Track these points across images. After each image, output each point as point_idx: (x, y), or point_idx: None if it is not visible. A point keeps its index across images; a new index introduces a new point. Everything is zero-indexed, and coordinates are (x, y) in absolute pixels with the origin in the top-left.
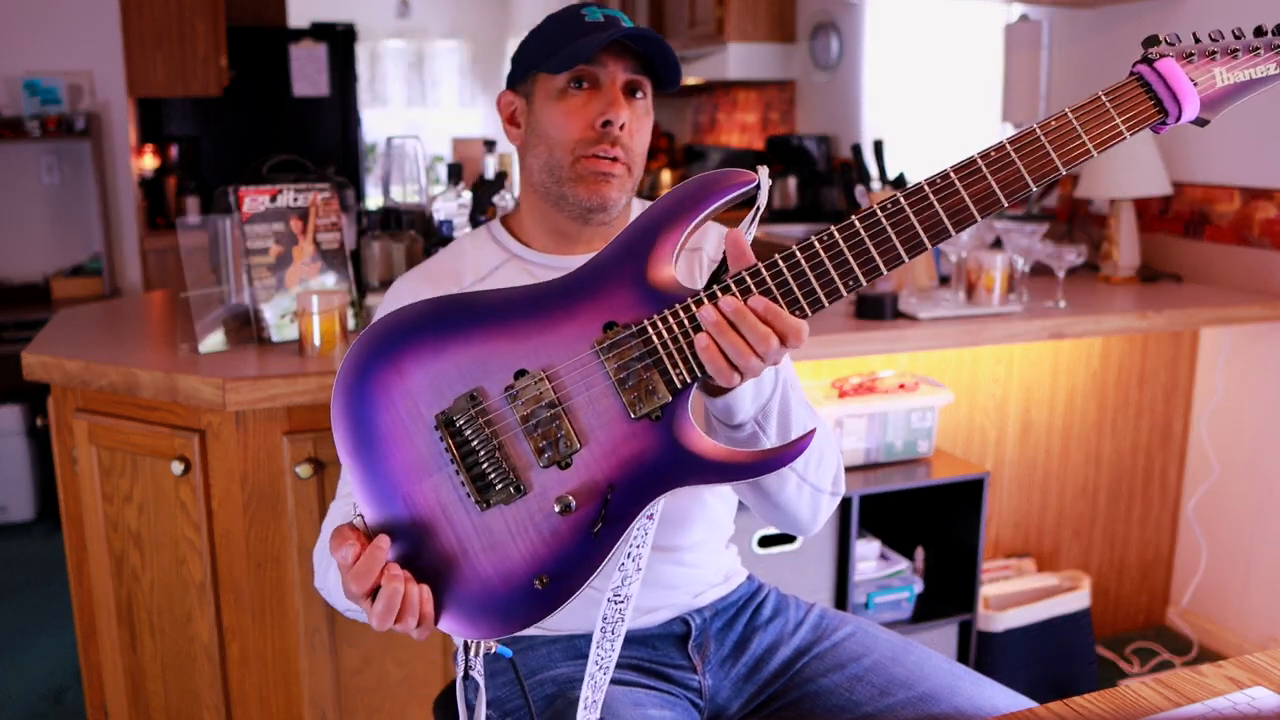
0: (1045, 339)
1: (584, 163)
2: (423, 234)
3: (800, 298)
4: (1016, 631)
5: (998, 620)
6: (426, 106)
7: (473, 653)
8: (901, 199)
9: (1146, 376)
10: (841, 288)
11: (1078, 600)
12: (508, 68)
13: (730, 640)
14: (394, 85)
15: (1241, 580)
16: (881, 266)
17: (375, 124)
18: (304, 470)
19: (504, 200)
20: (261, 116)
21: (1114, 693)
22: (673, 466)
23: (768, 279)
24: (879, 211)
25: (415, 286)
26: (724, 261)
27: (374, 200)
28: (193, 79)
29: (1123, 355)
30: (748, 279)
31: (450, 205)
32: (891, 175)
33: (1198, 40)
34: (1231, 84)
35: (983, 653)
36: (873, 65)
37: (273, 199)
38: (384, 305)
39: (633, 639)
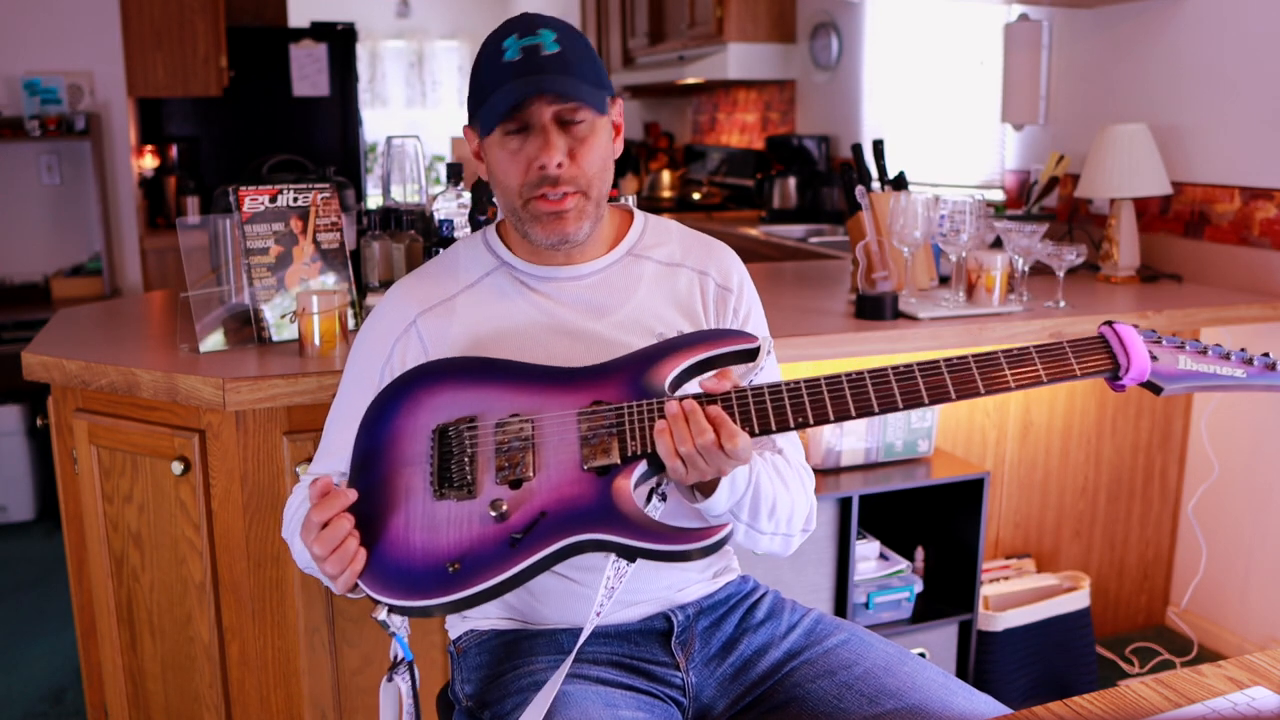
0: (1045, 339)
1: (534, 204)
2: (423, 234)
3: (754, 418)
4: (1016, 631)
5: (998, 620)
6: (426, 106)
7: (377, 612)
8: (866, 375)
9: None
10: (790, 421)
11: (1077, 600)
12: None
13: (718, 639)
14: (394, 85)
15: (1241, 580)
16: (810, 419)
17: (375, 124)
18: (304, 470)
19: None
20: (261, 116)
21: (1114, 693)
22: (599, 515)
23: (733, 400)
24: (843, 377)
25: (410, 290)
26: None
27: (374, 200)
28: (193, 79)
29: None
30: (717, 398)
31: (450, 205)
32: (891, 175)
33: (1180, 344)
34: (1191, 369)
35: (982, 653)
36: (872, 65)
37: (273, 199)
38: (381, 306)
39: (613, 634)
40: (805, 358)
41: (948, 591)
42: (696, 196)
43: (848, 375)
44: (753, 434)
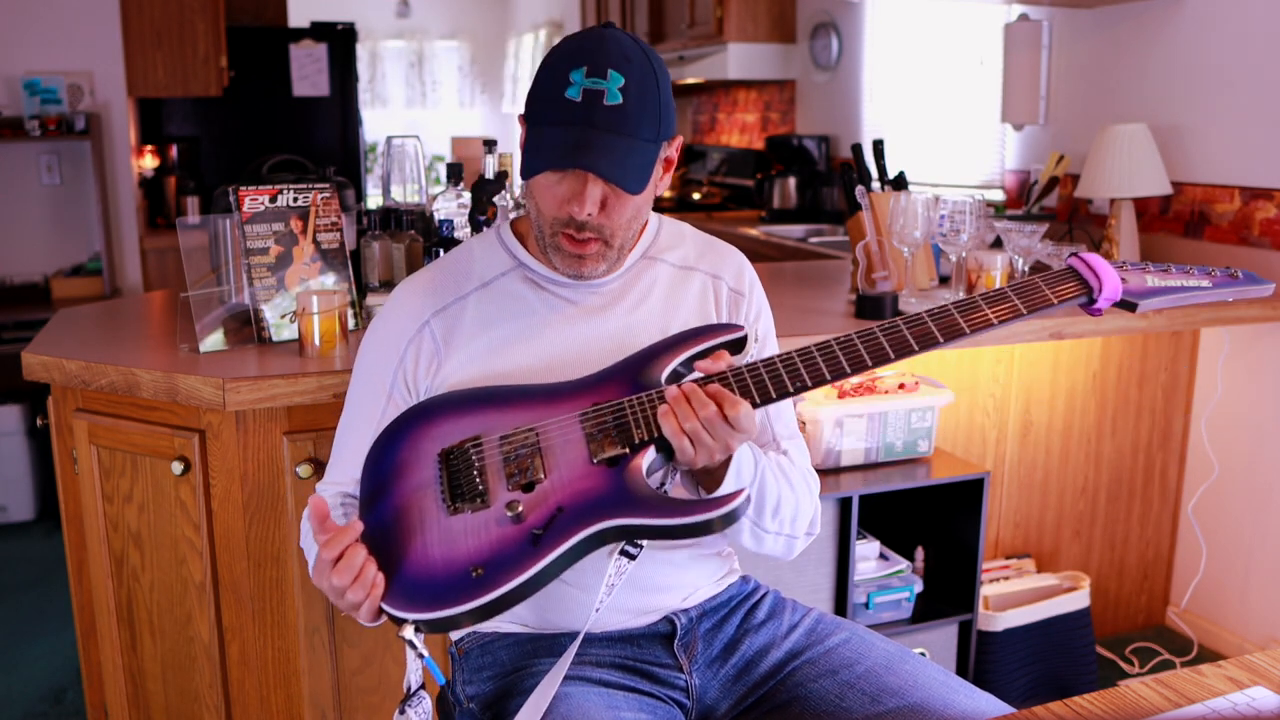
0: (1045, 339)
1: (560, 237)
2: (423, 234)
3: (753, 390)
4: (1016, 631)
5: (998, 620)
6: (426, 106)
7: (404, 631)
8: (854, 336)
9: (1146, 376)
10: (789, 386)
11: (1078, 600)
12: (508, 68)
13: (720, 641)
14: (394, 85)
15: (1241, 580)
16: (807, 382)
17: (375, 124)
18: (304, 470)
19: (504, 200)
20: (261, 116)
21: (1114, 693)
22: (615, 501)
23: (729, 376)
24: (832, 341)
25: (420, 290)
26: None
27: (374, 200)
28: (193, 79)
29: (1122, 355)
30: (713, 378)
31: (450, 205)
32: (891, 175)
33: (1145, 265)
34: (1160, 285)
35: (983, 653)
36: (872, 65)
37: (273, 199)
38: (388, 309)
39: (617, 638)
40: None
41: (948, 591)
42: (697, 196)
43: (837, 339)
44: (754, 404)
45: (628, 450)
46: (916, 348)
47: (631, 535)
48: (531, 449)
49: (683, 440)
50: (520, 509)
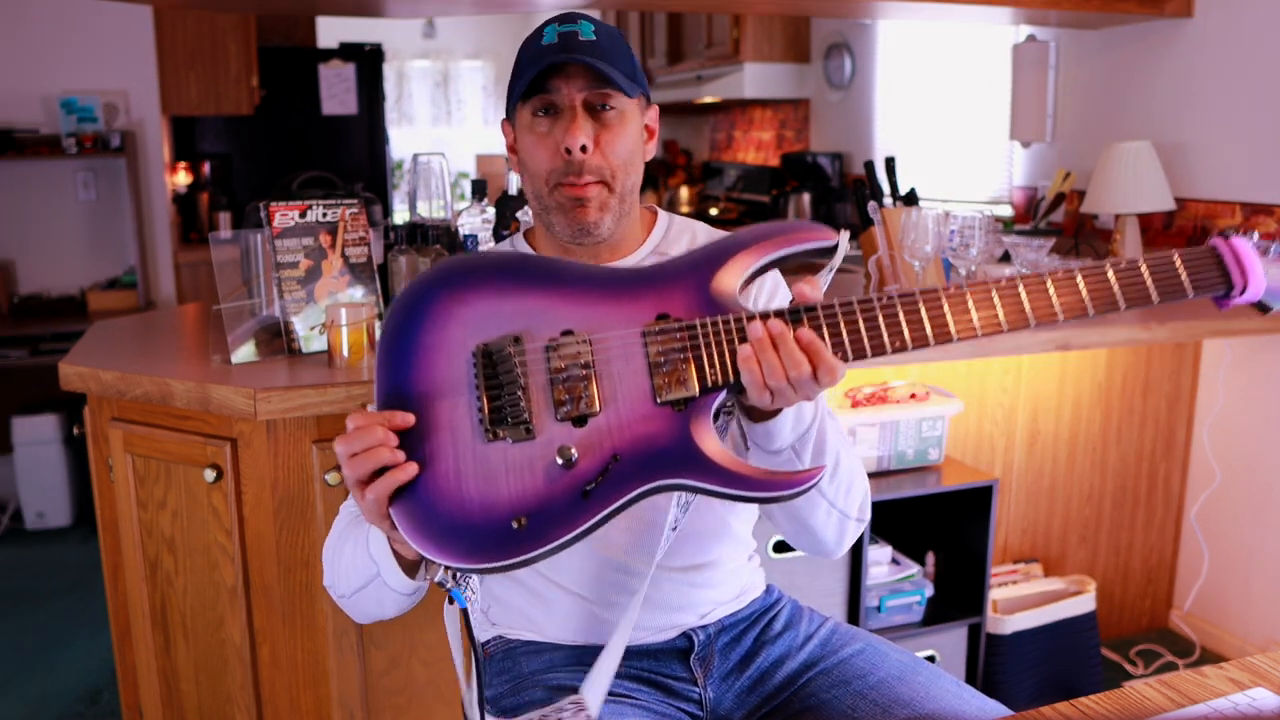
0: (1052, 350)
1: (559, 191)
2: (448, 248)
3: (846, 342)
4: (1024, 634)
5: (1006, 623)
6: (451, 124)
7: (433, 573)
8: (966, 287)
9: (1150, 387)
10: (888, 346)
11: (1084, 604)
12: None
13: (736, 654)
14: (420, 104)
15: (1243, 584)
16: (930, 338)
17: (402, 141)
18: (333, 478)
19: (527, 215)
20: (291, 134)
21: (1119, 694)
22: (679, 458)
23: (821, 318)
24: (941, 291)
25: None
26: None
27: (400, 215)
28: (225, 98)
29: (1127, 366)
30: (802, 313)
31: (475, 220)
32: (903, 191)
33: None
34: None
35: (991, 655)
36: (885, 84)
37: (302, 214)
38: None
39: (633, 652)
40: None
41: (957, 595)
42: (714, 212)
43: (946, 289)
44: (845, 360)
45: (696, 394)
46: (1033, 320)
47: (690, 493)
48: (585, 369)
49: (764, 395)
50: (572, 454)
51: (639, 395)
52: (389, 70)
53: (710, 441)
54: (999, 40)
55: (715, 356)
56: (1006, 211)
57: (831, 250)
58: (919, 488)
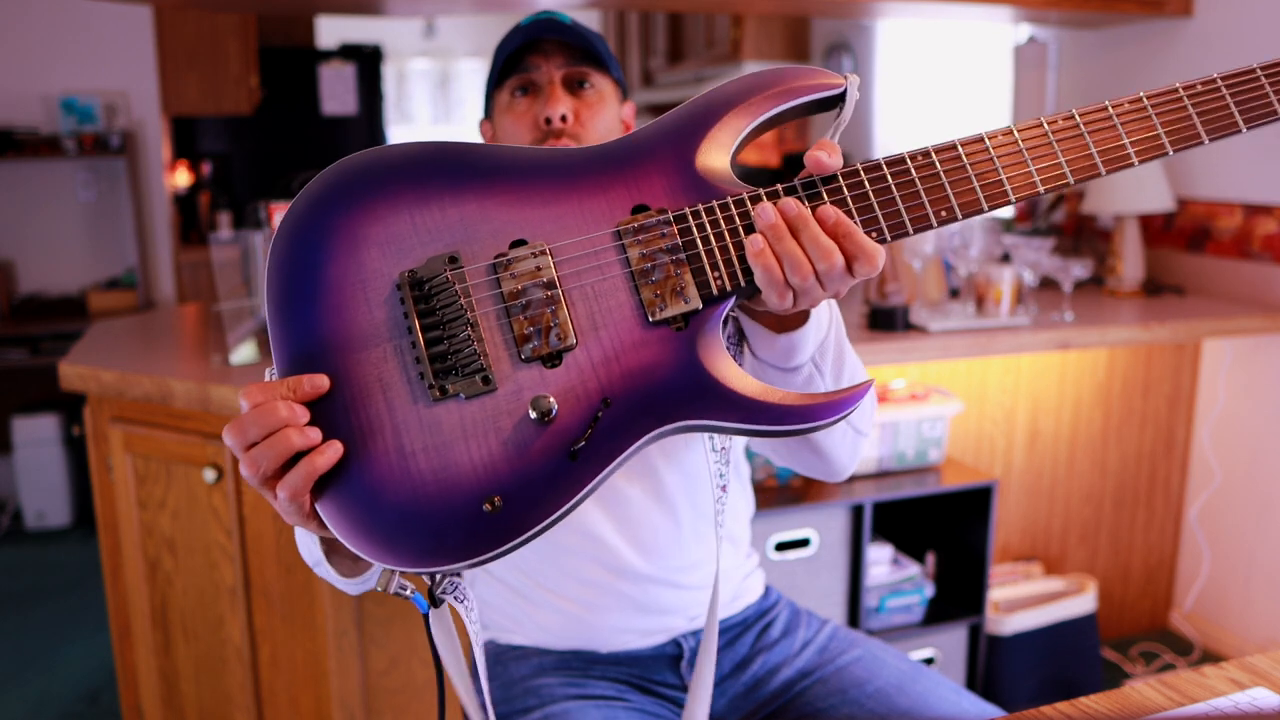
0: (1052, 350)
1: None
2: None
3: (881, 218)
4: (1024, 634)
5: (1006, 623)
6: (451, 124)
7: (384, 584)
8: (1016, 129)
9: (1150, 387)
10: (932, 218)
11: (1084, 604)
12: None
13: (731, 659)
14: (420, 104)
15: (1243, 584)
16: (983, 202)
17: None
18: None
19: None
20: (291, 134)
21: (1119, 693)
22: (690, 393)
23: (844, 190)
24: (986, 137)
25: None
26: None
27: None
28: (225, 98)
29: (1127, 366)
30: (820, 185)
31: None
32: None
33: None
34: None
35: (992, 655)
36: (884, 84)
37: None
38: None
39: (621, 660)
40: None
41: (958, 595)
42: None
43: (991, 135)
44: (882, 242)
45: (699, 306)
46: (1103, 169)
47: (710, 432)
48: (549, 290)
49: (786, 297)
50: (550, 405)
51: (624, 317)
52: (389, 70)
53: (724, 365)
54: (999, 41)
55: (718, 254)
56: (1007, 212)
57: (839, 99)
58: (919, 488)
